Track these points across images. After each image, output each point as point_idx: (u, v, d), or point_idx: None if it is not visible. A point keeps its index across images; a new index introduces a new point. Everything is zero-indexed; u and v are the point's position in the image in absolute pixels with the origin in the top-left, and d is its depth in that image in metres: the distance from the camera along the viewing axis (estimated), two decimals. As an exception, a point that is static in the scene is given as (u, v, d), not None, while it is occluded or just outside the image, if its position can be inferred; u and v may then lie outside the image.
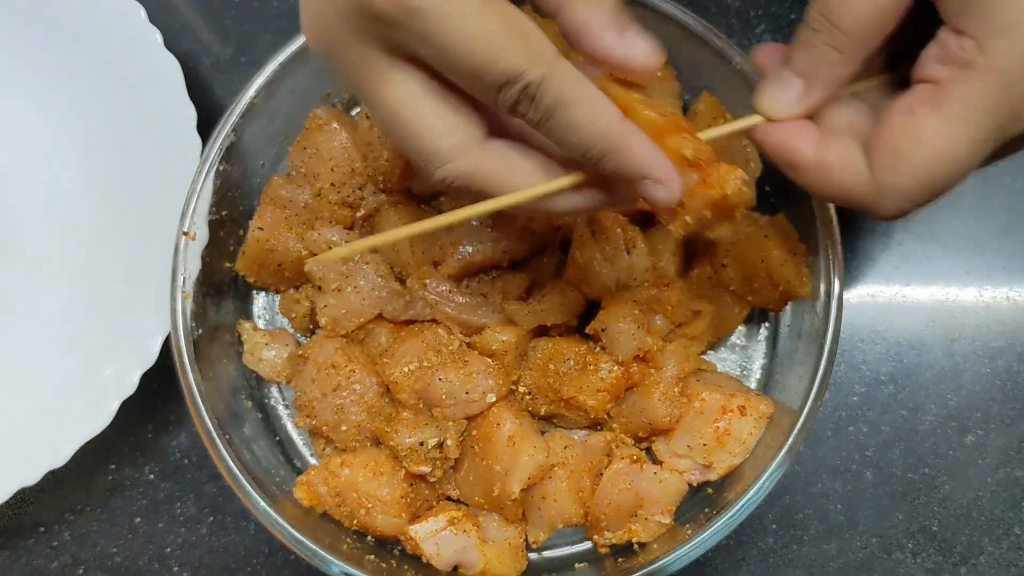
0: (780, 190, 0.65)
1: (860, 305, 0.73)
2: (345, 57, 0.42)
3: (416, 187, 0.66)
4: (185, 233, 0.61)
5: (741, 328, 0.69)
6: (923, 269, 0.73)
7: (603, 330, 0.62)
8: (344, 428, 0.63)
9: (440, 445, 0.60)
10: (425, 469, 0.60)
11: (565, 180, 0.44)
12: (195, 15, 0.77)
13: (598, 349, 0.63)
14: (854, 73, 0.45)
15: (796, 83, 0.46)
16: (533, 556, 0.65)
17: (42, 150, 0.73)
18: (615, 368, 0.61)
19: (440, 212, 0.59)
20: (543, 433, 0.64)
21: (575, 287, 0.63)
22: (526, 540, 0.64)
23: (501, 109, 0.41)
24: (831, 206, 0.60)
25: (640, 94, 0.46)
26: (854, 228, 0.73)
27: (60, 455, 0.65)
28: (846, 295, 0.69)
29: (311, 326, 0.68)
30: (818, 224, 0.61)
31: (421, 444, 0.60)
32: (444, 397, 0.61)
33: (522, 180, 0.44)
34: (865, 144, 0.44)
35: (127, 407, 0.66)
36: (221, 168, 0.63)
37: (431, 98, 0.42)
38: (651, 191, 0.43)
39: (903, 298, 0.73)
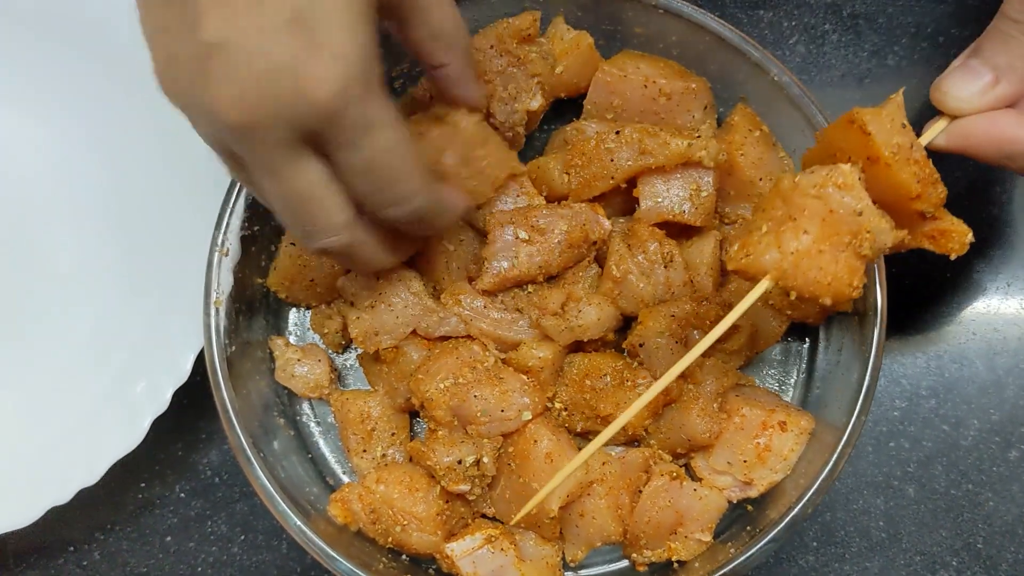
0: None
1: (900, 318, 0.72)
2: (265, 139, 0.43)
3: None
4: (218, 249, 0.61)
5: (780, 342, 0.68)
6: (964, 281, 0.72)
7: (640, 345, 0.61)
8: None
9: (477, 463, 0.59)
10: (464, 488, 0.59)
11: None
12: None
13: (635, 365, 0.62)
14: None
15: (985, 74, 0.43)
16: (570, 575, 0.64)
17: (72, 166, 0.73)
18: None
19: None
20: (580, 450, 0.63)
21: (611, 302, 0.62)
22: (563, 559, 0.63)
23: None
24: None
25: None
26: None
27: (93, 473, 0.65)
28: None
29: (343, 342, 0.68)
30: (858, 236, 0.60)
31: (459, 463, 0.59)
32: (479, 414, 0.60)
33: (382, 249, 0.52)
34: None
35: (156, 424, 0.65)
36: (254, 184, 0.63)
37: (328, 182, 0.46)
38: None
39: (944, 311, 0.72)
